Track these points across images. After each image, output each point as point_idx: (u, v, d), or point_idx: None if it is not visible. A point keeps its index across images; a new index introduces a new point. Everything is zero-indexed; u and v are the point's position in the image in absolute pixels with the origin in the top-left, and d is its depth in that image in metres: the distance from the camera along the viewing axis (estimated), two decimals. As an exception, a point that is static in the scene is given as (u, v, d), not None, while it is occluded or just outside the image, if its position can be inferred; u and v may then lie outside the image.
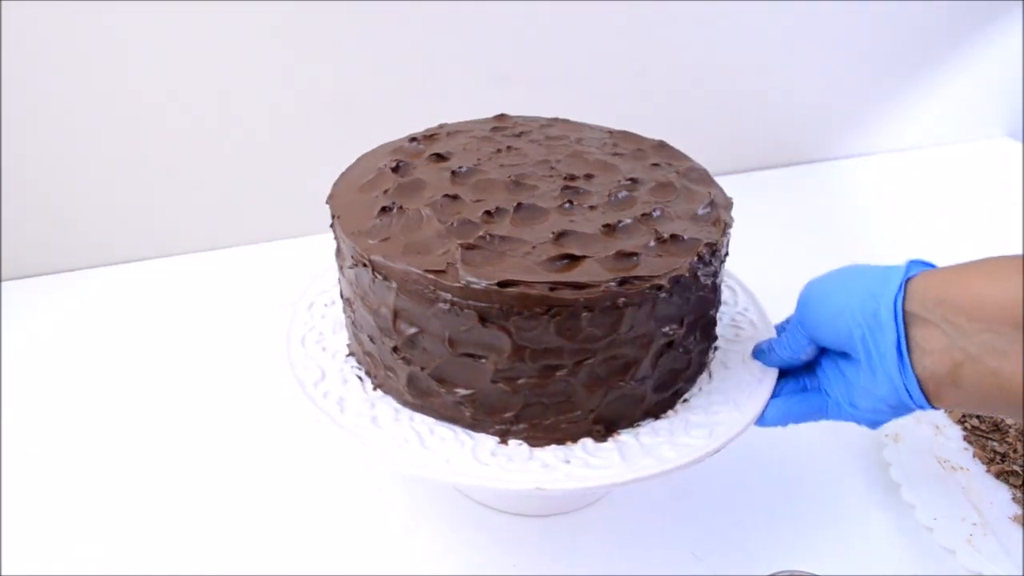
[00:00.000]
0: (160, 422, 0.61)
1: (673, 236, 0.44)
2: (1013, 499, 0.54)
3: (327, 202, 0.49)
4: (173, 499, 0.55)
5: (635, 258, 0.42)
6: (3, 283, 0.78)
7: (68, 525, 0.53)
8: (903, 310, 0.40)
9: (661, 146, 0.56)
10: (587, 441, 0.44)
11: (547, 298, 0.39)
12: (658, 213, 0.46)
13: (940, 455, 0.58)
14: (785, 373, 0.49)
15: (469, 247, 0.42)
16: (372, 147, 0.55)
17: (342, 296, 0.50)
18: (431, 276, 0.40)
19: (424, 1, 0.76)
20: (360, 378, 0.48)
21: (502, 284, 0.39)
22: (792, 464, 0.58)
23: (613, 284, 0.40)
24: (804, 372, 0.49)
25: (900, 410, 0.43)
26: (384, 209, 0.46)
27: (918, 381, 0.40)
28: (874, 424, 0.45)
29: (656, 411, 0.46)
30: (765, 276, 0.59)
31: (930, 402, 0.41)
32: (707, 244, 0.44)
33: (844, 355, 0.45)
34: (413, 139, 0.55)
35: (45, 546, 0.51)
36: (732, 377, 0.49)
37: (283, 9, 0.73)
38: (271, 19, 0.73)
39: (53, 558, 0.51)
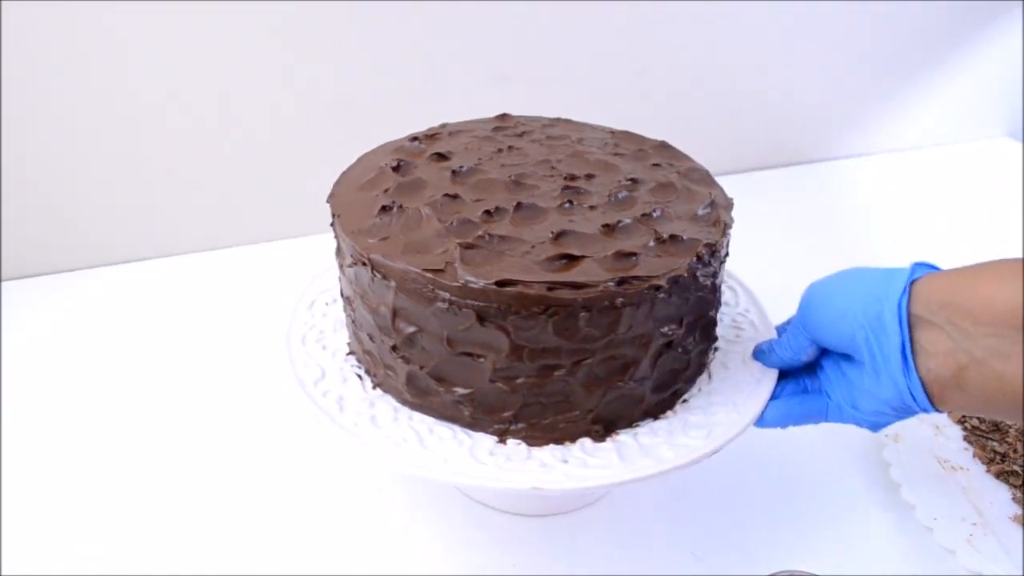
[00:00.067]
0: (160, 422, 0.61)
1: (672, 236, 0.44)
2: (1013, 499, 0.54)
3: (327, 201, 0.49)
4: (173, 498, 0.55)
5: (634, 258, 0.42)
6: (3, 283, 0.78)
7: (68, 525, 0.53)
8: (907, 312, 0.40)
9: (662, 146, 0.56)
10: (585, 441, 0.44)
11: (545, 298, 0.39)
12: (658, 213, 0.46)
13: (940, 455, 0.58)
14: (785, 375, 0.49)
15: (468, 246, 0.42)
16: (373, 147, 0.55)
17: (342, 295, 0.50)
18: (430, 275, 0.40)
19: (424, 1, 0.76)
20: (360, 377, 0.48)
21: (500, 283, 0.39)
22: (792, 464, 0.58)
23: (611, 284, 0.40)
24: (805, 374, 0.48)
25: (903, 413, 0.42)
26: (384, 208, 0.46)
27: (922, 384, 0.40)
28: (875, 427, 0.45)
29: (655, 411, 0.46)
30: (765, 276, 0.59)
31: (934, 405, 0.41)
32: (706, 244, 0.44)
33: (846, 357, 0.45)
34: (415, 138, 0.55)
35: (45, 546, 0.52)
36: (731, 378, 0.49)
37: (283, 9, 0.73)
38: (271, 19, 0.73)
39: (53, 558, 0.51)
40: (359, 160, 0.53)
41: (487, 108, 0.60)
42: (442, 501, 0.55)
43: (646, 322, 0.42)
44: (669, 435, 0.45)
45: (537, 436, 0.44)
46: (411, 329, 0.43)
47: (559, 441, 0.44)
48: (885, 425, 0.44)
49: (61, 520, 0.53)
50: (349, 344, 0.51)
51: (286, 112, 0.79)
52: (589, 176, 0.50)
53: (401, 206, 0.46)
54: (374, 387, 0.48)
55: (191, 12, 0.71)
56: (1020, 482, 0.55)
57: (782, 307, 0.53)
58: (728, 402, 0.47)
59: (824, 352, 0.47)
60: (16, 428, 0.60)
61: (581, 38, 0.84)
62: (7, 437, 0.59)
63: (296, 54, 0.76)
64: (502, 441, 0.44)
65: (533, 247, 0.42)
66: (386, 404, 0.46)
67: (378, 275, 0.43)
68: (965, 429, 0.60)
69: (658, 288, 0.41)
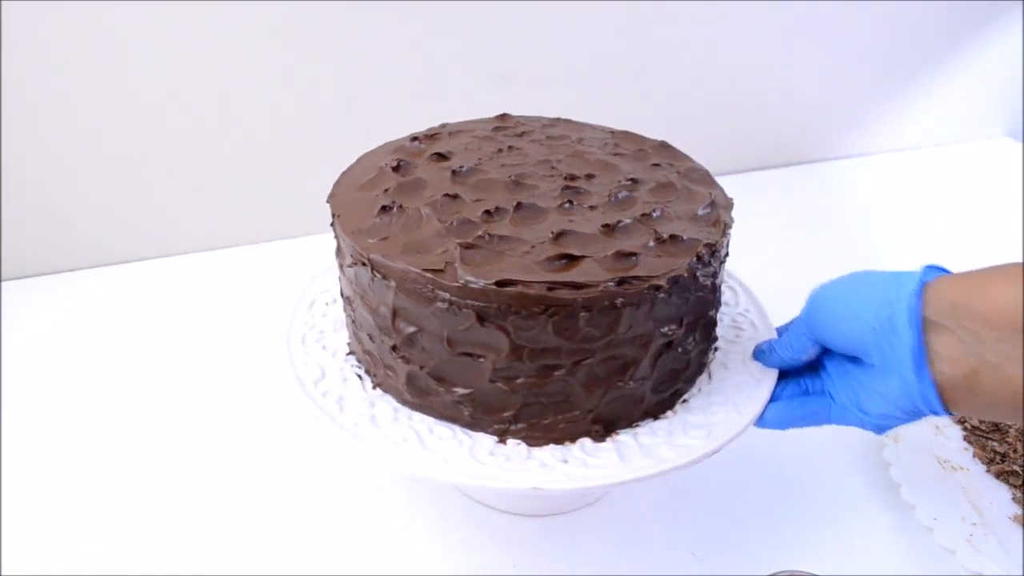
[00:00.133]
0: (160, 422, 0.61)
1: (672, 236, 0.44)
2: (1013, 499, 0.54)
3: (327, 201, 0.49)
4: (173, 498, 0.55)
5: (634, 258, 0.42)
6: (3, 283, 0.78)
7: (68, 525, 0.53)
8: (920, 316, 0.39)
9: (663, 146, 0.56)
10: (585, 441, 0.44)
11: (545, 298, 0.39)
12: (658, 213, 0.46)
13: (940, 455, 0.58)
14: (786, 375, 0.49)
15: (468, 246, 0.42)
16: (373, 147, 0.55)
17: (342, 295, 0.50)
18: (429, 275, 0.40)
19: (424, 1, 0.76)
20: (360, 377, 0.48)
21: (500, 283, 0.39)
22: (792, 464, 0.58)
23: (611, 284, 0.40)
24: (806, 375, 0.48)
25: (913, 415, 0.42)
26: (384, 208, 0.46)
27: (935, 387, 0.40)
28: (880, 429, 0.44)
29: (655, 411, 0.46)
30: (765, 276, 0.59)
31: (946, 408, 0.40)
32: (706, 244, 0.44)
33: (853, 359, 0.44)
34: (415, 138, 0.55)
35: (45, 546, 0.52)
36: (731, 378, 0.49)
37: (283, 9, 0.73)
38: (271, 19, 0.73)
39: (53, 558, 0.51)
40: (359, 160, 0.53)
41: (487, 108, 0.60)
42: (442, 501, 0.55)
43: (646, 322, 0.42)
44: (669, 435, 0.45)
45: (537, 436, 0.44)
46: (411, 329, 0.43)
47: (559, 441, 0.44)
48: (890, 428, 0.44)
49: (61, 520, 0.53)
50: (349, 344, 0.51)
51: (286, 112, 0.79)
52: (589, 176, 0.50)
53: (401, 206, 0.46)
54: (374, 387, 0.48)
55: (191, 12, 0.71)
56: (1020, 482, 0.55)
57: (782, 307, 0.53)
58: (728, 402, 0.47)
59: (826, 353, 0.47)
60: (16, 428, 0.60)
61: (581, 38, 0.84)
62: (7, 437, 0.59)
63: (296, 54, 0.76)
64: (502, 441, 0.44)
65: (533, 247, 0.42)
66: (386, 404, 0.46)
67: (378, 275, 0.43)
68: (965, 429, 0.60)
69: (658, 288, 0.41)
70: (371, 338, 0.46)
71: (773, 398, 0.47)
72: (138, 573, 0.50)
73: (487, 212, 0.45)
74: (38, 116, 0.72)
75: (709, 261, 0.44)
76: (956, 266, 0.41)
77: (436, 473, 0.42)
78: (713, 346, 0.51)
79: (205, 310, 0.74)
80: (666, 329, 0.43)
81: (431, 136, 0.55)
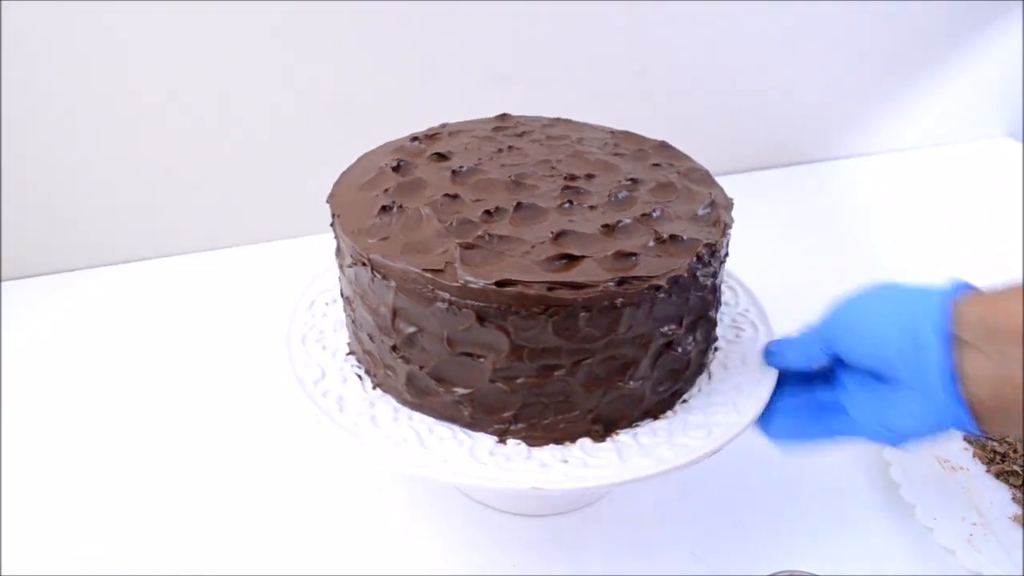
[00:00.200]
0: (160, 422, 0.61)
1: (672, 236, 0.44)
2: (1013, 499, 0.54)
3: (327, 201, 0.49)
4: (173, 498, 0.55)
5: (634, 258, 0.42)
6: (3, 283, 0.78)
7: (68, 525, 0.53)
8: (948, 334, 0.38)
9: (663, 146, 0.56)
10: (585, 441, 0.44)
11: (545, 298, 0.39)
12: (658, 213, 0.46)
13: (940, 455, 0.58)
14: (798, 386, 0.48)
15: (468, 246, 0.42)
16: (373, 147, 0.55)
17: (342, 295, 0.50)
18: (429, 275, 0.40)
19: (424, 1, 0.76)
20: (360, 377, 0.48)
21: (500, 283, 0.39)
22: (792, 464, 0.58)
23: (611, 284, 0.40)
24: (819, 387, 0.47)
25: (941, 431, 0.41)
26: (384, 208, 0.46)
27: (966, 406, 0.38)
28: (902, 444, 0.43)
29: (655, 411, 0.46)
30: (765, 276, 0.59)
31: (979, 426, 0.39)
32: (706, 245, 0.44)
33: (875, 375, 0.43)
34: (415, 138, 0.55)
35: (45, 546, 0.51)
36: (731, 378, 0.49)
37: (283, 9, 0.73)
38: (271, 19, 0.73)
39: (53, 558, 0.51)
40: (359, 160, 0.53)
41: (487, 108, 0.60)
42: (442, 501, 0.55)
43: (646, 322, 0.42)
44: (669, 435, 0.45)
45: (537, 436, 0.44)
46: (411, 329, 0.43)
47: (559, 441, 0.44)
48: (913, 443, 0.42)
49: (61, 520, 0.53)
50: (349, 344, 0.51)
51: (286, 112, 0.79)
52: (589, 176, 0.50)
53: (401, 206, 0.46)
54: (374, 387, 0.48)
55: (191, 12, 0.71)
56: (1020, 482, 0.55)
57: (782, 307, 0.53)
58: (728, 402, 0.47)
59: (840, 364, 0.45)
60: (16, 428, 0.60)
61: (581, 38, 0.84)
62: (7, 437, 0.59)
63: (296, 54, 0.76)
64: (502, 441, 0.44)
65: (533, 247, 0.42)
66: (386, 404, 0.46)
67: (378, 275, 0.43)
68: (965, 429, 0.60)
69: (658, 288, 0.41)
70: (371, 338, 0.46)
71: (786, 410, 0.46)
72: (138, 573, 0.50)
73: (487, 212, 0.45)
74: (38, 116, 0.72)
75: (709, 261, 0.44)
76: (956, 266, 0.41)
77: (436, 473, 0.42)
78: (713, 346, 0.51)
79: (205, 310, 0.74)
80: (666, 329, 0.43)
81: (431, 136, 0.55)
